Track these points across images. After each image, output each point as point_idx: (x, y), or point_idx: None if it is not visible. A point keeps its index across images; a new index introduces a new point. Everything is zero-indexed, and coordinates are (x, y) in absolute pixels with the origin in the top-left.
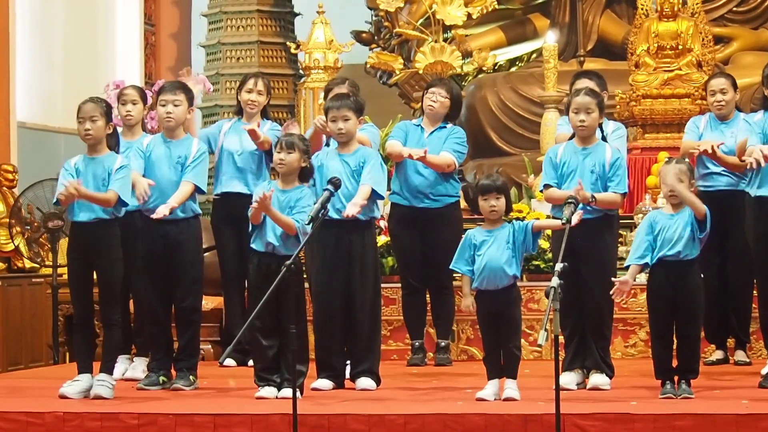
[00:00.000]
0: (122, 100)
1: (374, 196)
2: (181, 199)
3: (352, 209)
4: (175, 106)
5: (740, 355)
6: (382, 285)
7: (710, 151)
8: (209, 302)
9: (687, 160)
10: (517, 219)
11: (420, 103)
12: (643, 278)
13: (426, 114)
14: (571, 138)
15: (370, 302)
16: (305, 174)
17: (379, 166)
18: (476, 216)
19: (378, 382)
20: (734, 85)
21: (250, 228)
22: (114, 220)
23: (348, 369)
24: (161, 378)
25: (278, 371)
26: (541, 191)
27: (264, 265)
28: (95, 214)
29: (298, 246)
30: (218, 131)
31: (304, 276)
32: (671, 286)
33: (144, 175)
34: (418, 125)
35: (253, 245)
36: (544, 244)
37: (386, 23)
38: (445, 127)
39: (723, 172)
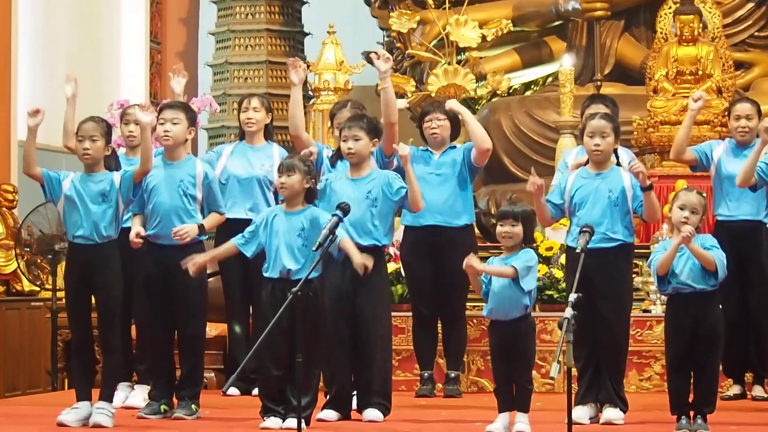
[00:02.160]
0: (125, 120)
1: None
2: (213, 224)
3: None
4: (174, 124)
5: (758, 391)
6: (392, 314)
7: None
8: (213, 329)
9: (704, 193)
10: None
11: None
12: (659, 310)
13: (431, 143)
14: (585, 164)
15: (377, 332)
16: (310, 195)
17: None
18: (489, 243)
19: (386, 413)
20: (759, 112)
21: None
22: (113, 241)
23: (354, 400)
24: (162, 406)
25: (284, 402)
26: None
27: (279, 291)
28: (95, 232)
29: (315, 269)
30: (216, 157)
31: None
32: (690, 317)
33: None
34: (426, 150)
35: (265, 273)
36: (558, 273)
37: (398, 44)
38: (454, 147)
39: (745, 201)
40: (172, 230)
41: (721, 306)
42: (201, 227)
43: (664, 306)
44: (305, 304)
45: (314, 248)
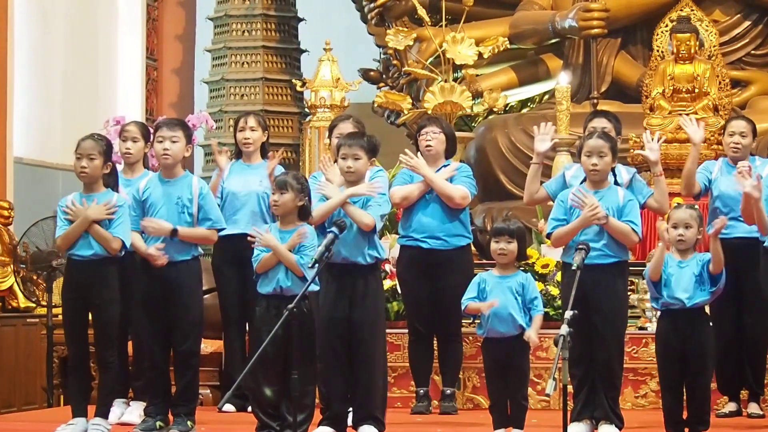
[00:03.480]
0: (123, 137)
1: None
2: (196, 236)
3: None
4: (173, 142)
5: (754, 408)
6: (388, 330)
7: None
8: (209, 346)
9: (696, 206)
10: (528, 265)
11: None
12: (654, 327)
13: (425, 156)
14: (582, 182)
15: (373, 349)
16: (304, 213)
17: (387, 201)
18: (485, 261)
19: (381, 429)
20: (754, 132)
21: (255, 274)
22: (113, 258)
23: (350, 416)
24: (158, 423)
25: (280, 418)
26: (549, 235)
27: (273, 308)
28: (94, 249)
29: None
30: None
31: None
32: (680, 335)
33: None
34: None
35: (259, 289)
36: (554, 290)
37: (395, 61)
38: (448, 165)
39: (741, 219)
40: (143, 220)
41: (712, 324)
42: (174, 231)
43: (656, 323)
44: (300, 321)
45: (310, 265)
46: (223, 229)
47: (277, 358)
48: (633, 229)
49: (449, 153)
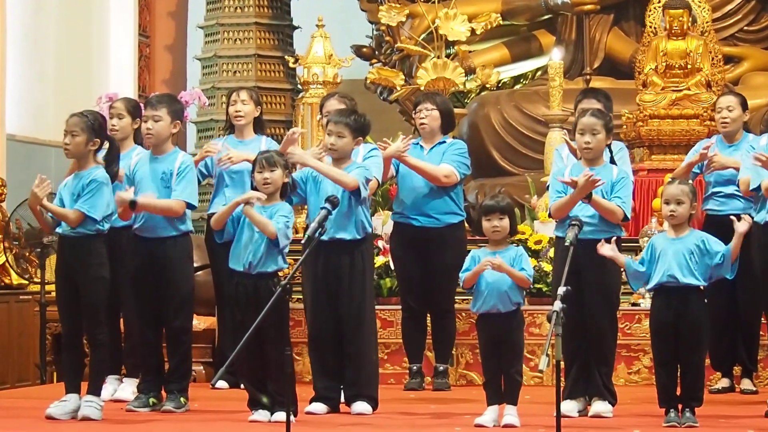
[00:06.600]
0: (110, 114)
1: (358, 198)
2: (158, 206)
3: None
4: (155, 121)
5: (746, 384)
6: (380, 307)
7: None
8: (202, 322)
9: (691, 181)
10: (520, 241)
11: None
12: (648, 303)
13: (422, 133)
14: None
15: (361, 326)
16: (286, 190)
17: (371, 168)
18: (478, 237)
19: (374, 406)
20: (743, 105)
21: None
22: (97, 235)
23: (342, 393)
24: (151, 399)
25: (266, 393)
26: (550, 215)
27: (242, 285)
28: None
29: (277, 263)
30: (211, 160)
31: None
32: (673, 312)
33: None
34: (417, 144)
35: (230, 265)
36: (547, 266)
37: (387, 38)
38: (444, 141)
39: (735, 194)
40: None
41: (707, 300)
42: (133, 202)
43: (651, 299)
44: (286, 298)
45: (303, 241)
46: (193, 206)
47: (255, 336)
48: (618, 205)
49: (446, 128)
